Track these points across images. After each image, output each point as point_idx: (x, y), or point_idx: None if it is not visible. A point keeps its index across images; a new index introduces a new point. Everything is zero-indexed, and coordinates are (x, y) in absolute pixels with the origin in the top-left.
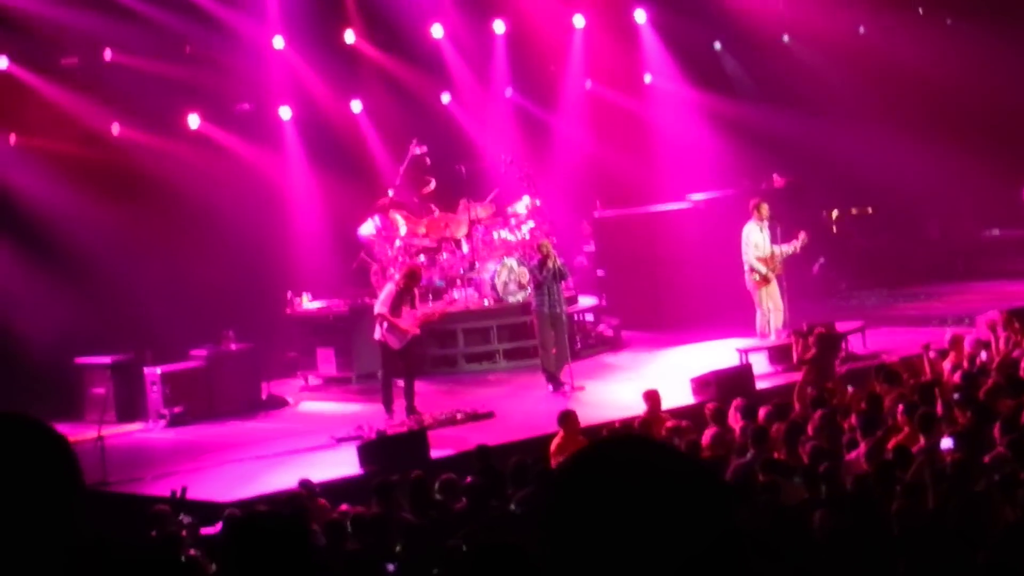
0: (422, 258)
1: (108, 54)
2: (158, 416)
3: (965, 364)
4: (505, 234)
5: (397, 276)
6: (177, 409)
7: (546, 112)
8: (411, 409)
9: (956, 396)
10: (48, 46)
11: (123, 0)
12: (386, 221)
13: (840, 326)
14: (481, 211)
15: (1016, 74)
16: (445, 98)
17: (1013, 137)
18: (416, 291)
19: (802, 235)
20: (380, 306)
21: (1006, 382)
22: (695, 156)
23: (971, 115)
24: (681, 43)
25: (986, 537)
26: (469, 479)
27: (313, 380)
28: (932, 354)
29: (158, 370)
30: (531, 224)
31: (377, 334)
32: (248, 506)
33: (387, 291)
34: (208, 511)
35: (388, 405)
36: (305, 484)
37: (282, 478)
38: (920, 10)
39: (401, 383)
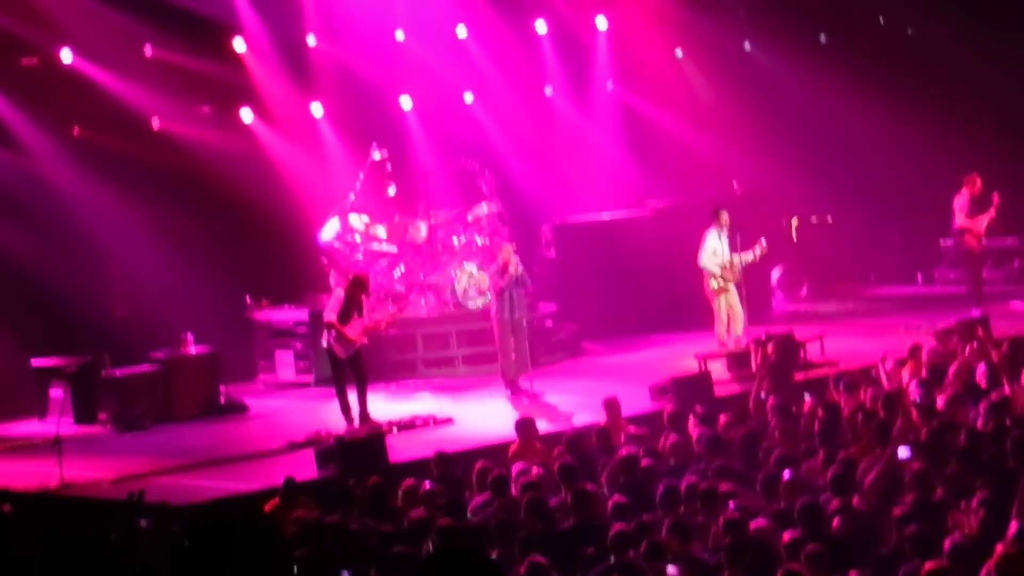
0: (383, 263)
1: (68, 55)
2: (116, 419)
3: (923, 373)
4: (466, 239)
5: (343, 282)
6: (135, 412)
7: (507, 119)
8: (364, 416)
9: (914, 405)
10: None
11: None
12: (346, 226)
13: (799, 334)
14: (442, 216)
15: (976, 82)
16: (407, 103)
17: (975, 146)
18: (364, 299)
19: (762, 241)
20: (328, 313)
21: (964, 391)
22: (656, 163)
23: (938, 123)
24: (642, 50)
25: (940, 546)
26: (428, 485)
27: (272, 384)
28: (890, 363)
29: (116, 373)
30: (491, 230)
31: (324, 342)
32: (204, 510)
33: (335, 298)
34: (165, 515)
35: (346, 412)
36: (289, 481)
37: (239, 482)
38: (881, 19)
39: (352, 391)
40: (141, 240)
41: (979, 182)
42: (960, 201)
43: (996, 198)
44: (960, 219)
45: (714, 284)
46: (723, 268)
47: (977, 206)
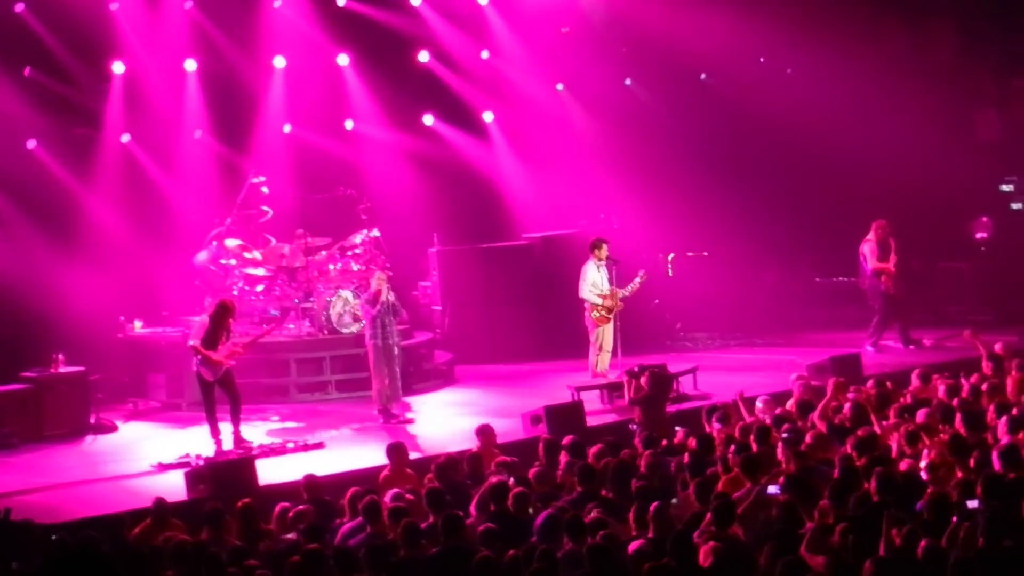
0: (258, 287)
1: None
2: None
3: (792, 409)
4: (342, 266)
5: (208, 308)
6: (3, 431)
7: (388, 147)
8: (236, 439)
9: (783, 439)
10: None
11: None
12: (221, 249)
13: (672, 367)
14: (318, 242)
15: (860, 124)
16: (287, 128)
17: (854, 189)
18: (231, 324)
19: (642, 272)
20: (193, 339)
21: (828, 430)
22: (535, 194)
23: (816, 164)
24: (523, 82)
25: None
26: (298, 509)
27: (143, 406)
28: (764, 398)
29: None
30: (368, 257)
31: (193, 366)
32: (72, 529)
33: (199, 324)
34: (31, 534)
35: (215, 435)
36: (159, 502)
37: (107, 503)
38: (761, 59)
39: (223, 414)
40: (12, 258)
41: (886, 227)
42: (869, 246)
43: (893, 243)
44: (872, 262)
45: (596, 314)
46: (604, 298)
47: (882, 251)
